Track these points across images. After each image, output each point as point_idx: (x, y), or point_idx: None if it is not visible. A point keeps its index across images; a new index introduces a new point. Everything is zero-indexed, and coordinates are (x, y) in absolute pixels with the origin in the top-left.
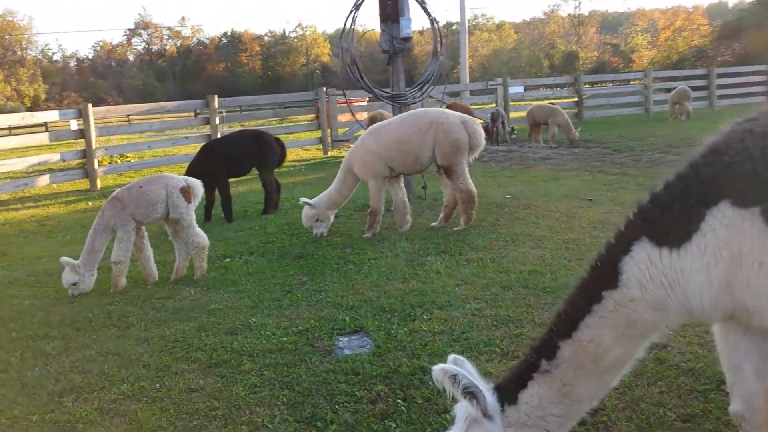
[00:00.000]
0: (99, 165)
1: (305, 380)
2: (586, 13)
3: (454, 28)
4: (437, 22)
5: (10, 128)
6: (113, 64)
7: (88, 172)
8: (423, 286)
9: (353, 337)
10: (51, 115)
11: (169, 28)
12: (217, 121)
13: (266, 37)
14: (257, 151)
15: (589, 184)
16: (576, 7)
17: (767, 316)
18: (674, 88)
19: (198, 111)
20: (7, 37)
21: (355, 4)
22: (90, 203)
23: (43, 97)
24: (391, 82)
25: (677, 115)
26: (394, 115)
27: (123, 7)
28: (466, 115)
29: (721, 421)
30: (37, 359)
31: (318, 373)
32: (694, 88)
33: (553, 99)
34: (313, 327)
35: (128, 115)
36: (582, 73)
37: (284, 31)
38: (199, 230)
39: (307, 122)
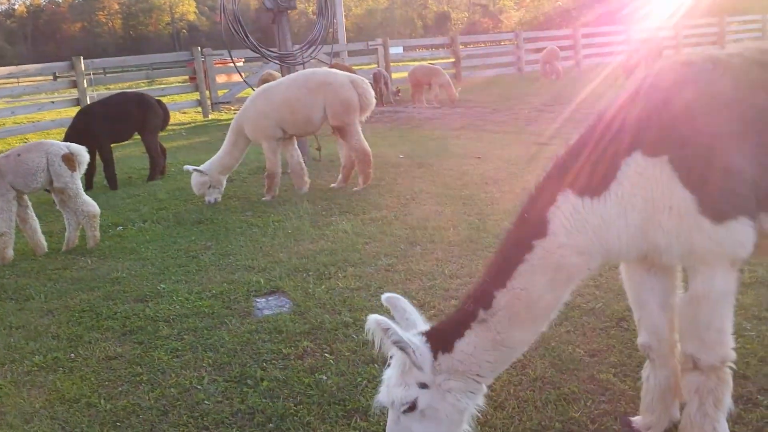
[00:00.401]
0: None
1: (228, 341)
2: None
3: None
4: None
5: None
6: None
7: None
8: (333, 246)
9: (270, 298)
10: None
11: None
12: (85, 84)
13: None
14: (140, 115)
15: (474, 143)
16: None
17: (676, 253)
18: (542, 48)
19: (57, 74)
20: None
21: None
22: None
23: None
24: (277, 41)
25: (548, 74)
26: (282, 75)
27: None
28: (354, 75)
29: (624, 354)
30: None
31: (240, 334)
32: (562, 48)
33: (432, 60)
34: (228, 290)
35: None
36: (458, 35)
37: None
38: (87, 198)
39: (179, 84)
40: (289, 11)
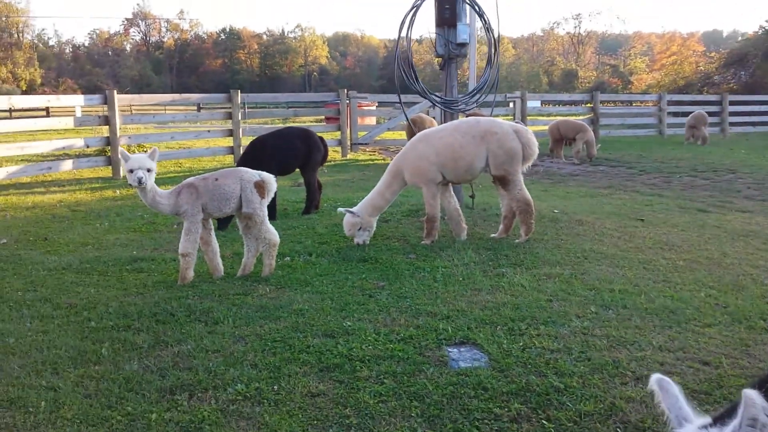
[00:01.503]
0: None
1: (432, 392)
2: (585, 33)
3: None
4: (492, 31)
5: (10, 110)
6: (110, 52)
7: (111, 160)
8: (513, 300)
9: (462, 349)
10: (77, 100)
11: (168, 20)
12: (239, 117)
13: (265, 36)
14: (305, 149)
15: (629, 204)
16: (576, 26)
17: None
18: (684, 112)
19: (201, 105)
20: (3, 19)
21: (413, 5)
22: (117, 191)
23: (39, 81)
24: (444, 87)
25: (693, 139)
26: (443, 122)
27: None
28: (518, 125)
29: None
30: (129, 352)
31: (443, 386)
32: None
33: (569, 115)
34: (416, 335)
35: (163, 106)
36: (598, 92)
37: (283, 30)
38: (271, 227)
39: (314, 123)
40: (459, 58)
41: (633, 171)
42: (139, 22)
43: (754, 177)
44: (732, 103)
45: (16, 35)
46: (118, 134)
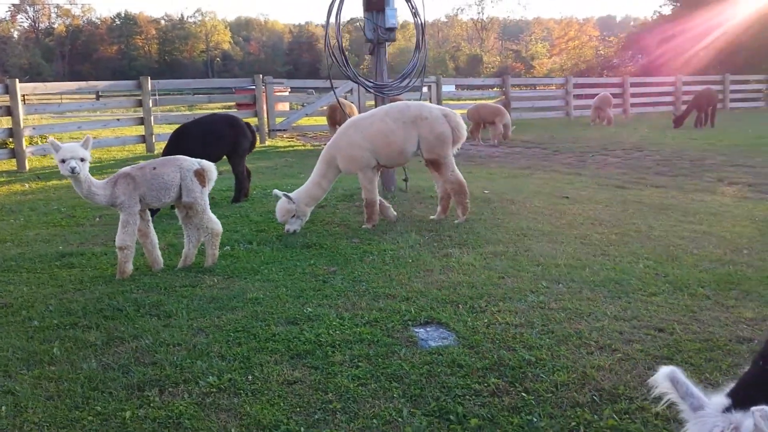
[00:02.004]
0: (27, 145)
1: (410, 372)
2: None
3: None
4: (419, 15)
5: None
6: None
7: (15, 152)
8: (467, 279)
9: (428, 329)
10: None
11: (58, 6)
12: (150, 104)
13: (163, 21)
14: (232, 137)
15: (551, 183)
16: (479, 12)
17: None
18: (588, 95)
19: (100, 93)
20: None
21: None
22: (27, 185)
23: None
24: (374, 72)
25: (599, 120)
26: (376, 106)
27: None
28: (447, 109)
29: None
30: (83, 350)
31: (418, 365)
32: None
33: (482, 99)
34: (380, 318)
35: (60, 94)
36: (509, 76)
37: (182, 15)
38: (212, 215)
39: (223, 110)
40: (388, 43)
41: (548, 151)
42: (27, 7)
43: (660, 154)
44: (632, 84)
45: None
46: (22, 125)
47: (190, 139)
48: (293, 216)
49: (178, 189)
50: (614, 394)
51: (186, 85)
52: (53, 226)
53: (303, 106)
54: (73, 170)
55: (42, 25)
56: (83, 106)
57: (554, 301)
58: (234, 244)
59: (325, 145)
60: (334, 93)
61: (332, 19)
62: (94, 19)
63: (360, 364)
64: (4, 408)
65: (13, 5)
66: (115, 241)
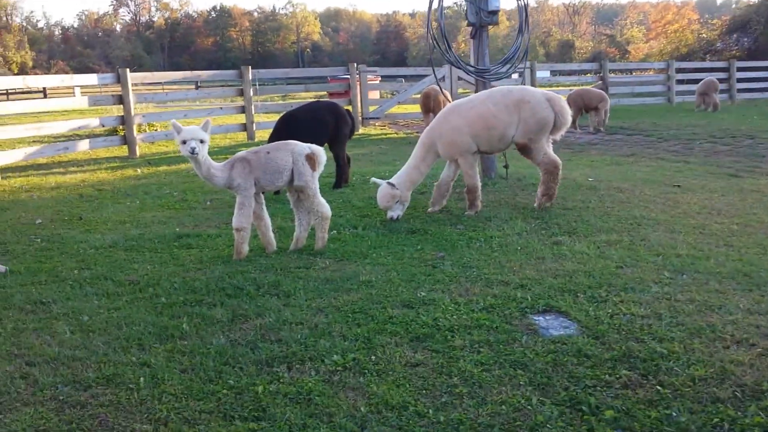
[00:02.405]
0: (137, 132)
1: (534, 360)
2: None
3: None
4: None
5: (7, 92)
6: (99, 33)
7: (126, 139)
8: (582, 267)
9: (548, 317)
10: (89, 79)
11: (157, 0)
12: (251, 93)
13: (256, 13)
14: (333, 124)
15: (659, 170)
16: None
17: None
18: (690, 80)
19: (199, 84)
20: None
21: None
22: (139, 170)
23: (31, 64)
24: (474, 56)
25: (704, 106)
26: (476, 91)
27: None
28: (550, 93)
29: None
30: (211, 326)
31: (542, 354)
32: None
33: (576, 85)
34: (496, 304)
35: (162, 85)
36: (607, 61)
37: (274, 7)
38: (322, 199)
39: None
40: (490, 26)
41: (651, 138)
42: (129, 1)
43: None
44: (739, 69)
45: (4, 18)
46: (133, 113)
47: (296, 126)
48: (396, 201)
49: (290, 173)
50: (758, 390)
51: (284, 75)
52: (167, 209)
53: (393, 94)
54: (192, 150)
55: (143, 19)
56: (188, 95)
57: (680, 293)
58: (340, 229)
59: (417, 132)
60: (436, 78)
61: (434, 4)
62: (191, 12)
63: (481, 349)
64: (142, 380)
65: (116, 0)
66: (230, 223)
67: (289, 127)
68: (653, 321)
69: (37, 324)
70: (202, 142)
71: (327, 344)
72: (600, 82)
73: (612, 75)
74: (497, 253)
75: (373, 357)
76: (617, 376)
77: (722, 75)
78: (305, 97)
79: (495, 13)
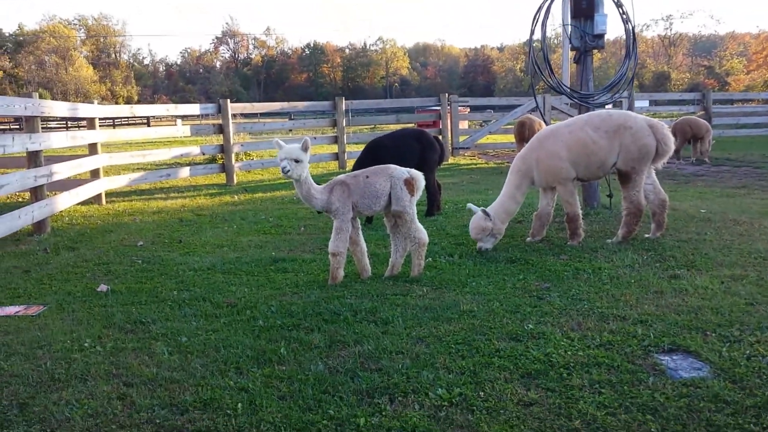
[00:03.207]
0: (235, 161)
1: (665, 404)
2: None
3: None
4: (631, 22)
5: (113, 121)
6: (200, 69)
7: (225, 167)
8: (708, 303)
9: (675, 357)
10: (192, 109)
11: (255, 38)
12: (344, 124)
13: (347, 50)
14: (421, 151)
15: None
16: (666, 28)
17: None
18: None
19: (292, 115)
20: (102, 39)
21: (541, 7)
22: (236, 197)
23: (136, 98)
24: (579, 81)
25: None
26: (548, 122)
27: (210, 15)
28: (653, 119)
29: None
30: (308, 352)
31: (673, 398)
32: None
33: (676, 115)
34: (614, 341)
35: (257, 116)
36: (710, 91)
37: (365, 44)
38: (420, 225)
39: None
40: (596, 51)
41: (761, 170)
42: (228, 39)
43: None
44: None
45: (113, 55)
46: (232, 142)
47: (382, 153)
48: (488, 234)
49: (387, 197)
50: None
51: (375, 105)
52: (263, 234)
53: (482, 124)
54: (284, 170)
55: (241, 56)
56: (284, 125)
57: None
58: (435, 257)
59: (508, 162)
60: (537, 105)
61: (538, 25)
62: (286, 50)
63: (603, 390)
64: (240, 405)
65: (217, 38)
66: (324, 248)
67: (375, 154)
68: None
69: (136, 344)
70: (297, 162)
71: (430, 376)
72: (703, 112)
73: (714, 106)
74: (608, 286)
75: (481, 393)
76: (764, 425)
77: None
78: (394, 128)
79: (601, 36)
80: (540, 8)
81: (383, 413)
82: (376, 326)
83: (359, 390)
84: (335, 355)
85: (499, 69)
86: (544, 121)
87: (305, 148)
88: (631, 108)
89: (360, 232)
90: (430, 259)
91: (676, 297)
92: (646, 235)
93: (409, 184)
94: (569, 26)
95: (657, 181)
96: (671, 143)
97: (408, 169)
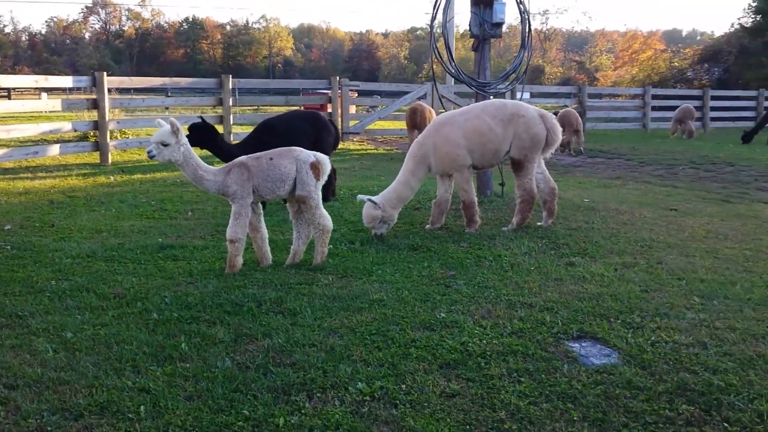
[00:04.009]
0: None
1: (584, 392)
2: (550, 30)
3: (417, 32)
4: (528, 13)
5: None
6: (68, 40)
7: (100, 145)
8: (606, 290)
9: (584, 344)
10: (65, 81)
11: (129, 9)
12: (230, 103)
13: (228, 26)
14: (315, 133)
15: (649, 194)
16: (542, 23)
17: None
18: (663, 106)
19: (169, 92)
20: None
21: None
22: (112, 178)
23: None
24: (476, 69)
25: (679, 132)
26: (438, 109)
27: None
28: (543, 110)
29: None
30: (213, 347)
31: (590, 385)
32: None
33: (554, 108)
34: (525, 329)
35: (130, 91)
36: (585, 85)
37: (247, 21)
38: (324, 211)
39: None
40: (492, 39)
41: (633, 162)
42: (99, 10)
43: (755, 169)
44: (713, 98)
45: None
46: (107, 118)
47: (273, 135)
48: (380, 221)
49: (292, 181)
50: None
51: (263, 85)
52: (146, 218)
53: (369, 110)
54: (149, 153)
55: (113, 28)
56: (165, 102)
57: (717, 320)
58: (336, 244)
59: (397, 149)
60: (437, 92)
61: (440, 10)
62: (162, 23)
63: (522, 379)
64: (143, 408)
65: (86, 7)
66: (216, 234)
67: (263, 136)
68: (699, 350)
69: (14, 341)
70: (165, 145)
71: (348, 370)
72: (578, 105)
73: (588, 100)
74: (511, 273)
75: (403, 386)
76: (678, 411)
77: (696, 103)
78: (282, 110)
79: (499, 25)
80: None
81: (302, 411)
82: (283, 317)
83: (274, 387)
84: (243, 349)
85: (383, 55)
86: (435, 109)
87: (174, 131)
88: (513, 98)
89: (261, 218)
90: (332, 246)
91: (575, 284)
92: (539, 223)
93: (315, 168)
94: (453, 20)
95: (546, 170)
96: (560, 133)
97: (313, 152)
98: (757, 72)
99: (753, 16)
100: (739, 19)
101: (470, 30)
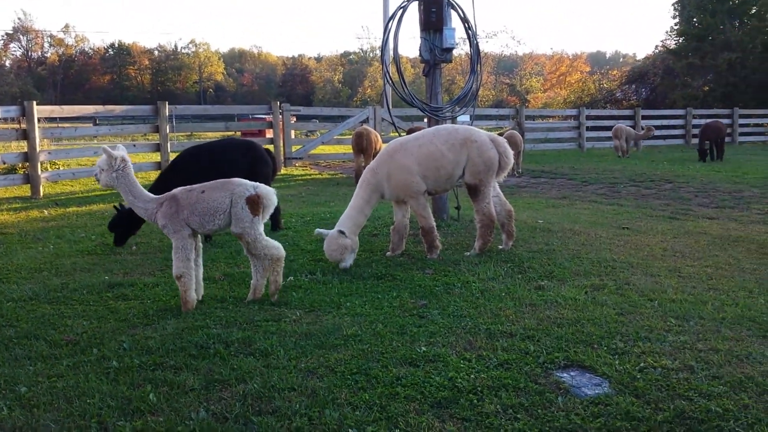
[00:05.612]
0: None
1: (585, 426)
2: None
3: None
4: (476, 38)
5: None
6: None
7: (30, 177)
8: (583, 315)
9: (573, 373)
10: None
11: (51, 36)
12: (167, 130)
13: (156, 52)
14: (247, 164)
15: (598, 213)
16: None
17: None
18: (596, 126)
19: (97, 120)
20: None
21: (399, 5)
22: (45, 212)
23: None
24: (427, 94)
25: (622, 151)
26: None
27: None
28: (493, 134)
29: None
30: (183, 396)
31: (589, 419)
32: None
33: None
34: (511, 360)
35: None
36: (524, 107)
37: (176, 46)
38: (270, 240)
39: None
40: (443, 64)
41: (575, 182)
42: (21, 36)
43: (693, 186)
44: (643, 117)
45: None
46: (38, 149)
47: (197, 163)
48: (350, 251)
49: (227, 216)
50: None
51: (203, 111)
52: (88, 255)
53: (307, 134)
54: (95, 177)
55: (34, 55)
56: (100, 132)
57: (698, 342)
58: (296, 275)
59: (342, 173)
60: (391, 117)
61: (391, 35)
62: (87, 49)
63: (518, 415)
64: None
65: (6, 34)
66: (165, 270)
67: (189, 164)
68: (688, 374)
69: None
70: (103, 170)
71: (335, 415)
72: (517, 126)
73: (528, 121)
74: (483, 300)
75: (396, 430)
76: None
77: (629, 122)
78: (217, 136)
79: (449, 50)
80: (393, 16)
81: None
82: (255, 359)
83: None
84: (216, 397)
85: (317, 79)
86: (379, 132)
87: (109, 156)
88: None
89: (200, 253)
90: (292, 277)
91: (550, 309)
92: (500, 247)
93: (254, 202)
94: (392, 49)
95: (501, 193)
96: (512, 157)
97: (257, 184)
98: (682, 91)
99: (676, 38)
100: (662, 41)
101: (420, 55)
